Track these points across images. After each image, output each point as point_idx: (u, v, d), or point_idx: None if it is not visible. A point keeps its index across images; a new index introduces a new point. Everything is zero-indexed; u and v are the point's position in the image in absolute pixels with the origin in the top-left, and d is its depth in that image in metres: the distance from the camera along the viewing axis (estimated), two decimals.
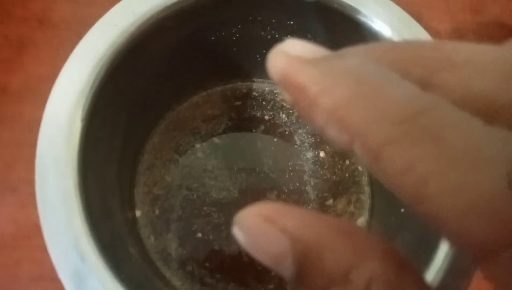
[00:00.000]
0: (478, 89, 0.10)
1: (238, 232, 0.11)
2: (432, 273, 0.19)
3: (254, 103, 0.33)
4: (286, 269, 0.10)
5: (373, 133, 0.09)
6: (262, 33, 0.27)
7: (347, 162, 0.32)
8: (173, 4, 0.22)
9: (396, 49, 0.11)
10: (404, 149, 0.08)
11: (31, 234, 0.30)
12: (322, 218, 0.10)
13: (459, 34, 0.38)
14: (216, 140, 0.32)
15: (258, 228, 0.10)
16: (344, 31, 0.25)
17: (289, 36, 0.27)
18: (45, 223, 0.17)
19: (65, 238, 0.17)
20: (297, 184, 0.31)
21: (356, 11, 0.23)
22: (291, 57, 0.10)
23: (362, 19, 0.23)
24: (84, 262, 0.17)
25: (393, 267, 0.09)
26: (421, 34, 0.23)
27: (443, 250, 0.19)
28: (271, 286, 0.29)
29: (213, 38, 0.27)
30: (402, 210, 0.25)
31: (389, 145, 0.09)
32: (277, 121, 0.33)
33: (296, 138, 0.33)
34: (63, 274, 0.17)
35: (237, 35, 0.27)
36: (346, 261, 0.09)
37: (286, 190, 0.31)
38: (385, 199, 0.29)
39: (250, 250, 0.11)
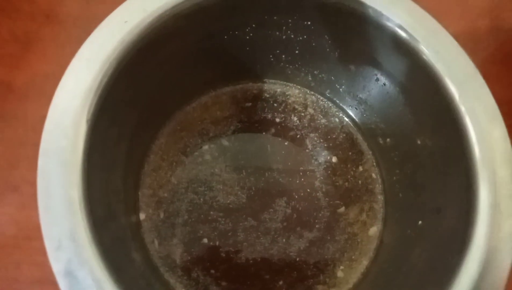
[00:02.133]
0: None
1: None
2: None
3: (265, 105, 0.32)
4: None
5: None
6: (278, 33, 0.26)
7: (361, 168, 0.31)
8: (186, 2, 0.21)
9: None
10: None
11: (32, 235, 0.29)
12: None
13: (476, 40, 0.37)
14: (224, 142, 0.31)
15: None
16: (365, 33, 0.23)
17: (305, 37, 0.26)
18: (46, 233, 0.16)
19: (68, 249, 0.16)
20: (308, 190, 0.30)
21: (379, 13, 0.21)
22: None
23: (385, 22, 0.22)
24: (87, 275, 0.16)
25: None
26: (443, 35, 0.22)
27: (468, 272, 0.18)
28: None
29: (226, 37, 0.26)
30: (420, 222, 0.24)
31: None
32: (288, 124, 0.32)
33: (307, 142, 0.31)
34: (62, 282, 0.16)
35: (251, 35, 0.26)
36: None
37: (296, 196, 0.30)
38: (400, 210, 0.28)
39: None
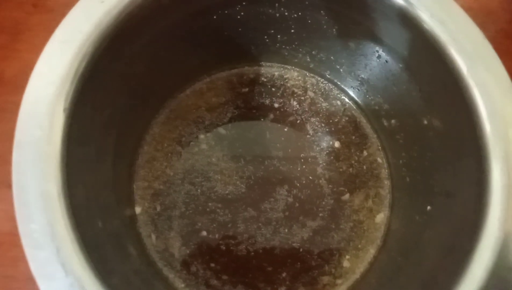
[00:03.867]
0: None
1: None
2: (465, 287, 0.17)
3: (263, 90, 0.31)
4: None
5: None
6: (270, 11, 0.25)
7: (365, 152, 0.29)
8: None
9: None
10: None
11: None
12: None
13: (486, 12, 0.35)
14: (221, 130, 0.29)
15: None
16: (363, 5, 0.22)
17: (300, 13, 0.25)
18: (23, 230, 0.15)
19: (47, 247, 0.15)
20: (310, 177, 0.28)
21: None
22: None
23: None
24: (67, 274, 0.15)
25: None
26: (448, 3, 0.20)
27: (481, 260, 0.17)
28: (282, 288, 0.27)
29: (215, 17, 0.24)
30: (429, 207, 0.23)
31: None
32: (288, 109, 0.30)
33: (308, 127, 0.30)
34: (41, 283, 0.15)
35: (242, 14, 0.24)
36: None
37: (298, 184, 0.28)
38: (408, 195, 0.26)
39: None
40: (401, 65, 0.24)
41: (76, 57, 0.18)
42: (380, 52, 0.24)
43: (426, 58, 0.21)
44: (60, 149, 0.17)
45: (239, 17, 0.25)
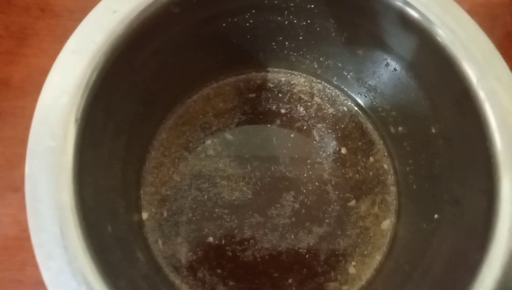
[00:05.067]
0: None
1: None
2: None
3: (269, 95, 0.31)
4: None
5: None
6: (279, 18, 0.25)
7: (371, 159, 0.29)
8: None
9: None
10: None
11: None
12: None
13: (493, 17, 0.35)
14: (228, 136, 0.30)
15: None
16: (372, 13, 0.22)
17: (309, 21, 0.25)
18: (36, 240, 0.15)
19: (60, 257, 0.15)
20: (317, 183, 0.29)
21: None
22: None
23: (393, 0, 0.20)
24: (79, 284, 0.15)
25: None
26: (458, 13, 0.20)
27: (490, 271, 0.17)
28: None
29: (224, 24, 0.24)
30: (436, 216, 0.23)
31: None
32: (294, 115, 0.30)
33: (315, 133, 0.30)
34: None
35: (251, 21, 0.25)
36: None
37: (304, 191, 0.28)
38: (414, 202, 0.26)
39: None
40: (409, 73, 0.24)
41: (89, 67, 0.18)
42: (389, 60, 0.25)
43: (436, 67, 0.21)
44: (72, 159, 0.17)
45: (247, 24, 0.25)
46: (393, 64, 0.24)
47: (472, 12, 0.21)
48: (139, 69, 0.22)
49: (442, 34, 0.20)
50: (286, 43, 0.27)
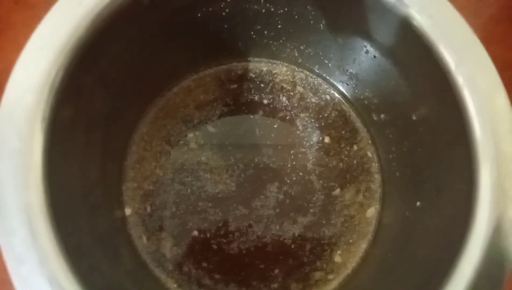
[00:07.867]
0: None
1: None
2: (456, 284, 0.17)
3: (251, 86, 0.30)
4: None
5: None
6: (256, 7, 0.24)
7: (355, 147, 0.29)
8: None
9: None
10: None
11: None
12: None
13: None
14: (210, 128, 0.29)
15: None
16: (348, 1, 0.21)
17: (286, 9, 0.24)
18: (4, 244, 0.15)
19: (29, 261, 0.15)
20: (301, 173, 0.28)
21: None
22: None
23: None
24: (53, 287, 0.15)
25: None
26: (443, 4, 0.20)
27: (470, 256, 0.17)
28: (275, 285, 0.27)
29: (199, 14, 0.24)
30: (419, 203, 0.23)
31: None
32: (277, 105, 0.30)
33: (298, 122, 0.30)
34: None
35: (227, 10, 0.24)
36: None
37: (288, 181, 0.28)
38: (398, 189, 0.26)
39: None
40: (389, 60, 0.23)
41: (54, 63, 0.17)
42: (368, 47, 0.24)
43: (414, 53, 0.21)
44: (41, 159, 0.16)
45: (224, 14, 0.24)
46: (373, 51, 0.24)
47: None
48: (111, 62, 0.21)
49: (420, 19, 0.19)
50: (265, 32, 0.27)
